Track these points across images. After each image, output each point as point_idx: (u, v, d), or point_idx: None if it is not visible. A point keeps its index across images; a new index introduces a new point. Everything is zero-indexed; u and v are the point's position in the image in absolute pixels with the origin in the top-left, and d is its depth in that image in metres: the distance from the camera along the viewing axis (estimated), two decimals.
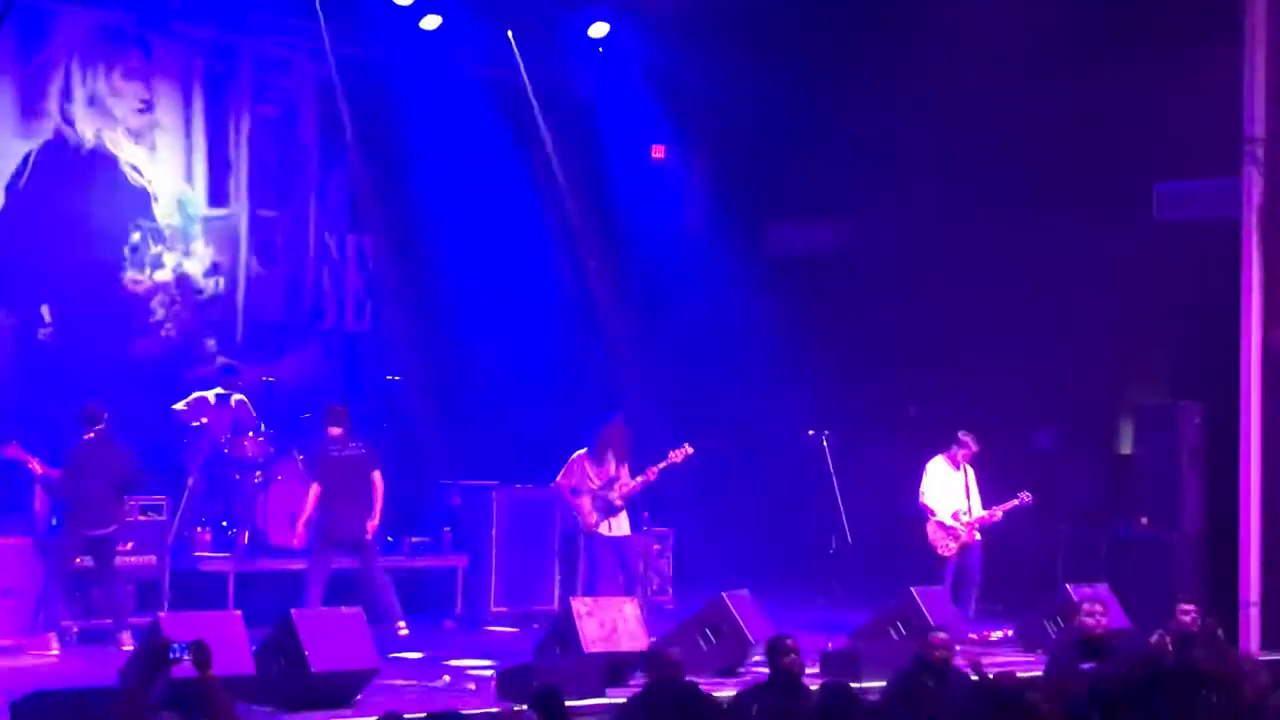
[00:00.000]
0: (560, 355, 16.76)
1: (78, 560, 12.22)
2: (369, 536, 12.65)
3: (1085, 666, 9.39)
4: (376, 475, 12.65)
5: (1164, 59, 14.38)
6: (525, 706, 7.72)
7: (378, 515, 12.72)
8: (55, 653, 11.82)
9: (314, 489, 12.56)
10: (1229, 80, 13.66)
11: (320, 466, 12.65)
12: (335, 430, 12.72)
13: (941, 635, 9.18)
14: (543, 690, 7.57)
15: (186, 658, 7.25)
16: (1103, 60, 14.94)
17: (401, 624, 12.43)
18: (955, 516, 13.87)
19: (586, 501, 13.24)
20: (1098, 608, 10.15)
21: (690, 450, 13.32)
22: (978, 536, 13.91)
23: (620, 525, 13.35)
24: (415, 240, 16.26)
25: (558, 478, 13.43)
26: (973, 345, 15.58)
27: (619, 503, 13.30)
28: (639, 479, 13.31)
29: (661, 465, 13.32)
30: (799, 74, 16.13)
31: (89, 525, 12.13)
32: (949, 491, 13.92)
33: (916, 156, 15.60)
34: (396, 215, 16.22)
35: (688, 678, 9.10)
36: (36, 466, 12.23)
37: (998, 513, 13.90)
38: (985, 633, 13.52)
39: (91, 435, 12.22)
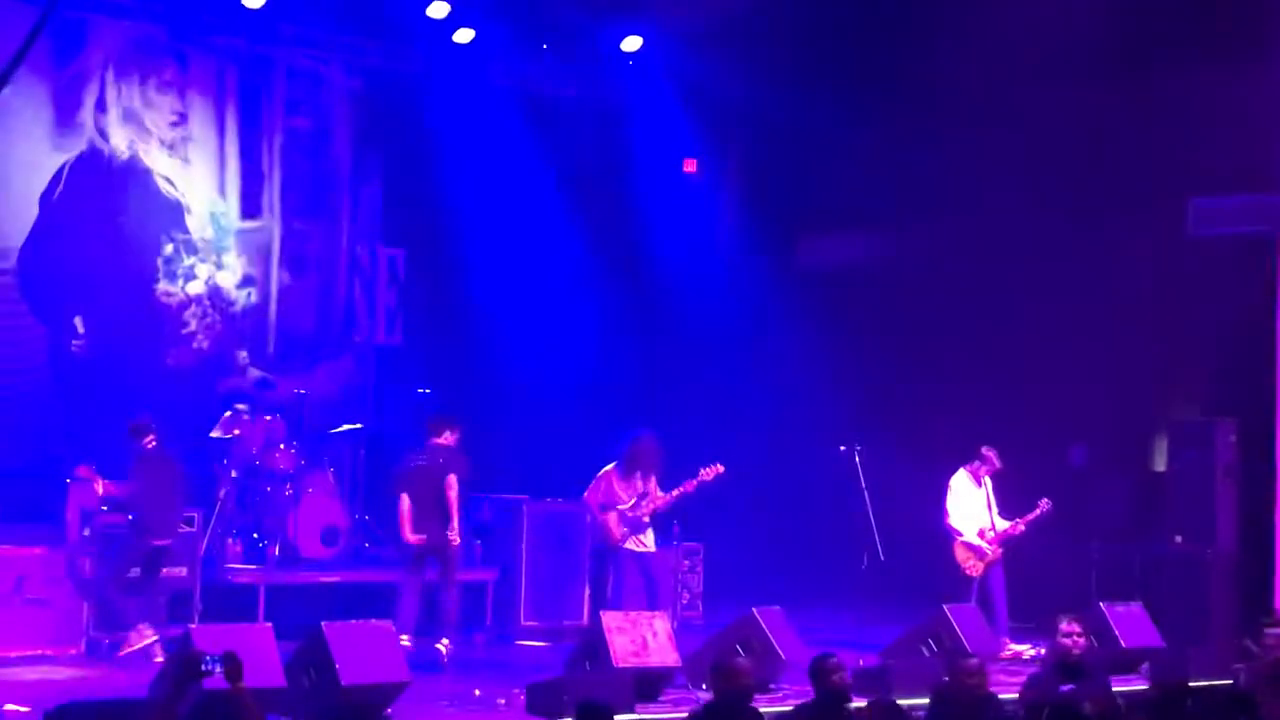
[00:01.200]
0: (591, 369, 16.74)
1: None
2: (451, 546, 12.61)
3: (1064, 688, 9.41)
4: (449, 480, 12.61)
5: (1201, 75, 14.31)
6: None
7: (454, 522, 12.66)
8: (152, 640, 11.81)
9: (402, 500, 12.53)
10: (1266, 97, 13.58)
11: (402, 476, 12.65)
12: (437, 440, 12.69)
13: (974, 662, 9.12)
14: (590, 705, 7.48)
15: (218, 670, 7.24)
16: (1139, 76, 14.87)
17: (445, 642, 12.40)
18: (981, 535, 13.81)
19: (613, 517, 13.18)
20: (1075, 629, 10.18)
21: (720, 469, 13.24)
22: (1000, 552, 13.85)
23: (647, 541, 13.28)
24: (447, 253, 16.27)
25: (586, 492, 13.39)
26: (1005, 360, 15.51)
27: (646, 519, 13.24)
28: (668, 495, 13.24)
29: (692, 483, 13.24)
30: (831, 87, 16.09)
31: (155, 534, 12.14)
32: (973, 509, 13.85)
33: (950, 170, 15.55)
34: (428, 228, 16.24)
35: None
36: (100, 487, 12.18)
37: (1020, 525, 13.82)
38: (1018, 650, 13.44)
39: (152, 444, 12.24)
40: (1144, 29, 14.69)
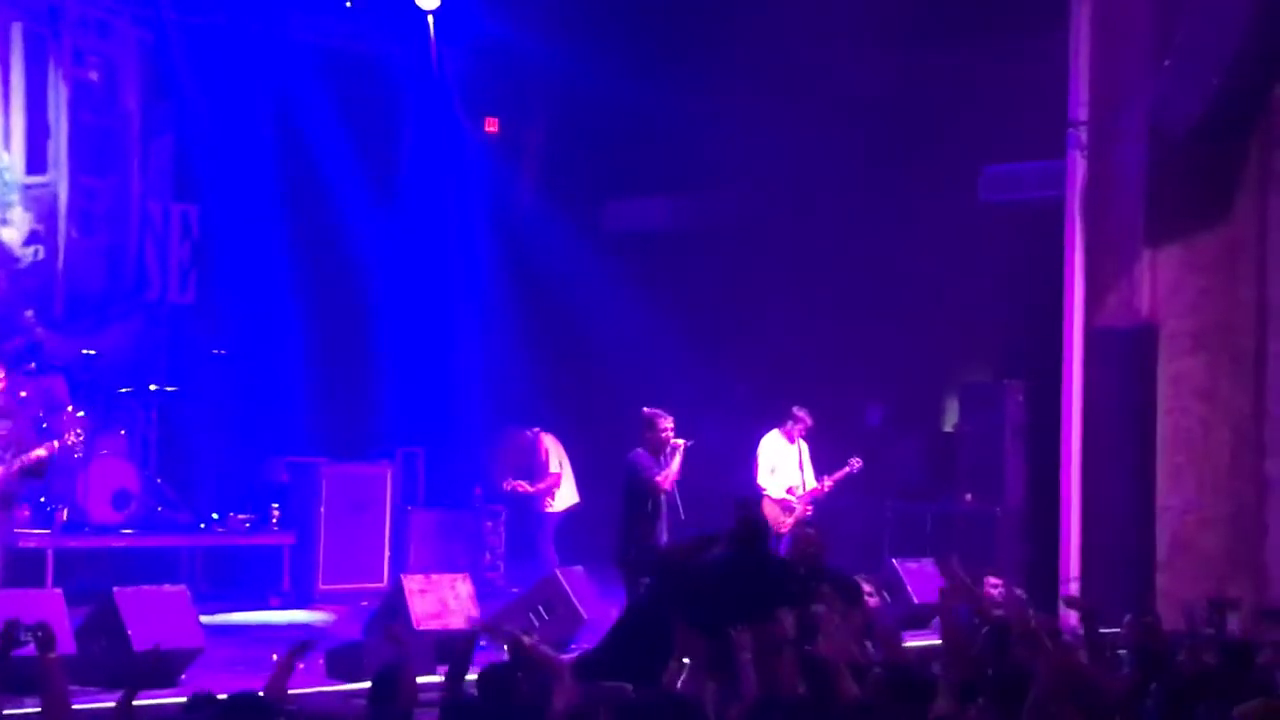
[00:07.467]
0: (387, 329, 16.56)
1: None
2: None
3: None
4: None
5: (993, 42, 14.60)
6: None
7: None
8: None
9: None
10: (1055, 65, 13.91)
11: None
12: None
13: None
14: (384, 670, 7.42)
15: (29, 639, 7.04)
16: (933, 42, 15.13)
17: None
18: (790, 492, 14.01)
19: None
20: (868, 588, 10.42)
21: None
22: (810, 510, 14.07)
23: None
24: (241, 210, 15.91)
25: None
26: (805, 323, 15.72)
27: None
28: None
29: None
30: (635, 48, 16.10)
31: None
32: (782, 467, 14.04)
33: (753, 133, 15.68)
34: (222, 184, 15.86)
35: None
36: None
37: (827, 483, 14.04)
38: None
39: None
40: None
